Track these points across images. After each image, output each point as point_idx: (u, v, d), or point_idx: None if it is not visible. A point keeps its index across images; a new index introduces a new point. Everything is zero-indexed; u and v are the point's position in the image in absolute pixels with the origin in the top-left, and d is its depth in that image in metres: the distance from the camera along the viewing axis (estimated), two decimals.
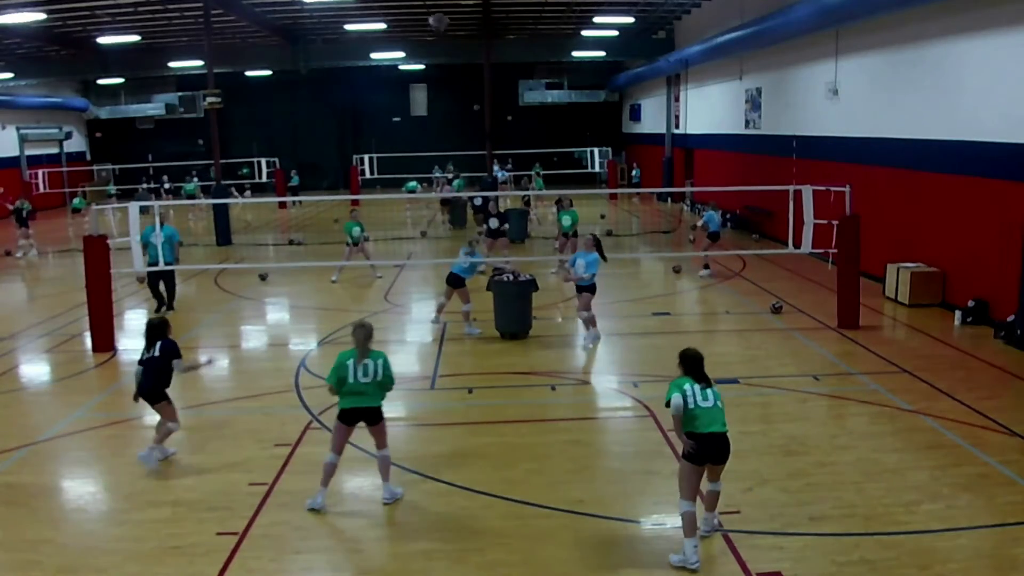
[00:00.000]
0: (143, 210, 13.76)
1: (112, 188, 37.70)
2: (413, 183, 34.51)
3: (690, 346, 6.50)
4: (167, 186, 35.71)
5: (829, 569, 5.99)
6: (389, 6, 26.25)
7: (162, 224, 13.65)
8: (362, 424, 7.16)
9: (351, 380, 7.00)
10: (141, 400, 8.10)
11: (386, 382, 7.12)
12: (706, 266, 17.54)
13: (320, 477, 7.12)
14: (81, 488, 7.85)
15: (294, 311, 15.75)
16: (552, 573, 6.15)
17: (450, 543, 6.56)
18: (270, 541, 6.59)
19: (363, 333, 7.08)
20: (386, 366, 7.10)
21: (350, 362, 7.03)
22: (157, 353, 7.92)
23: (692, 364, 6.27)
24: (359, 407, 7.07)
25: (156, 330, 8.01)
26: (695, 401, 6.11)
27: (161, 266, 13.49)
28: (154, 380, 7.92)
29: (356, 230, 17.44)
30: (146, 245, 13.59)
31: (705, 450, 6.10)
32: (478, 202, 21.18)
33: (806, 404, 9.51)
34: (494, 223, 18.93)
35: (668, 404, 6.13)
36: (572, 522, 6.86)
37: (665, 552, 6.36)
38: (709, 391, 6.19)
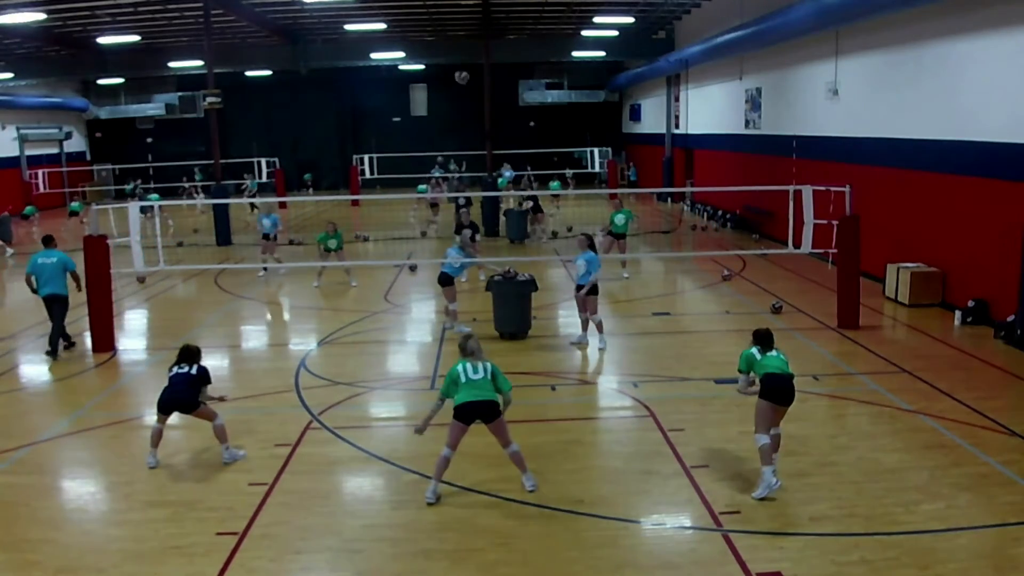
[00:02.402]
0: (142, 211, 13.71)
1: (140, 187, 35.24)
2: (423, 186, 34.20)
3: (760, 328, 7.71)
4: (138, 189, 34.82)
5: (829, 569, 5.99)
6: (389, 6, 26.25)
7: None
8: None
9: (463, 380, 7.21)
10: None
11: (501, 384, 7.27)
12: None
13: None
14: (81, 488, 7.84)
15: (294, 311, 15.76)
16: (552, 573, 6.15)
17: (450, 543, 6.56)
18: (270, 541, 6.59)
19: (474, 342, 7.40)
20: (495, 369, 7.32)
21: (460, 367, 7.27)
22: (194, 371, 8.09)
23: (765, 340, 7.50)
24: (472, 400, 7.16)
25: (194, 355, 8.21)
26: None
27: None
28: (191, 392, 8.04)
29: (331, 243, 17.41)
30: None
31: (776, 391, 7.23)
32: (461, 202, 21.57)
33: (806, 404, 9.47)
34: None
35: (740, 371, 7.54)
36: (572, 522, 6.86)
37: (665, 552, 6.36)
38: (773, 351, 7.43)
